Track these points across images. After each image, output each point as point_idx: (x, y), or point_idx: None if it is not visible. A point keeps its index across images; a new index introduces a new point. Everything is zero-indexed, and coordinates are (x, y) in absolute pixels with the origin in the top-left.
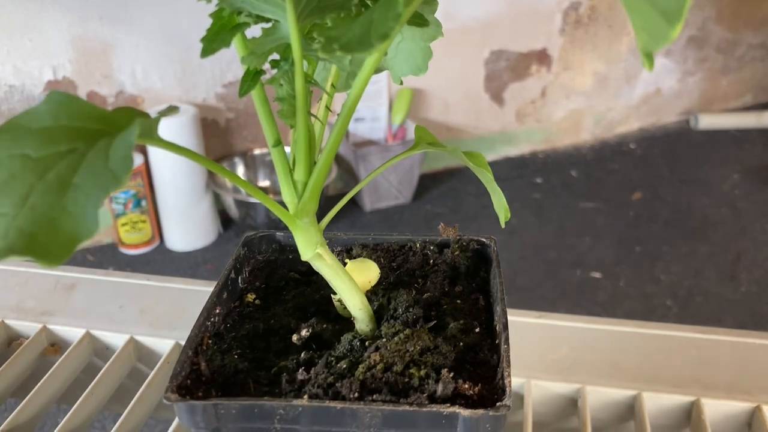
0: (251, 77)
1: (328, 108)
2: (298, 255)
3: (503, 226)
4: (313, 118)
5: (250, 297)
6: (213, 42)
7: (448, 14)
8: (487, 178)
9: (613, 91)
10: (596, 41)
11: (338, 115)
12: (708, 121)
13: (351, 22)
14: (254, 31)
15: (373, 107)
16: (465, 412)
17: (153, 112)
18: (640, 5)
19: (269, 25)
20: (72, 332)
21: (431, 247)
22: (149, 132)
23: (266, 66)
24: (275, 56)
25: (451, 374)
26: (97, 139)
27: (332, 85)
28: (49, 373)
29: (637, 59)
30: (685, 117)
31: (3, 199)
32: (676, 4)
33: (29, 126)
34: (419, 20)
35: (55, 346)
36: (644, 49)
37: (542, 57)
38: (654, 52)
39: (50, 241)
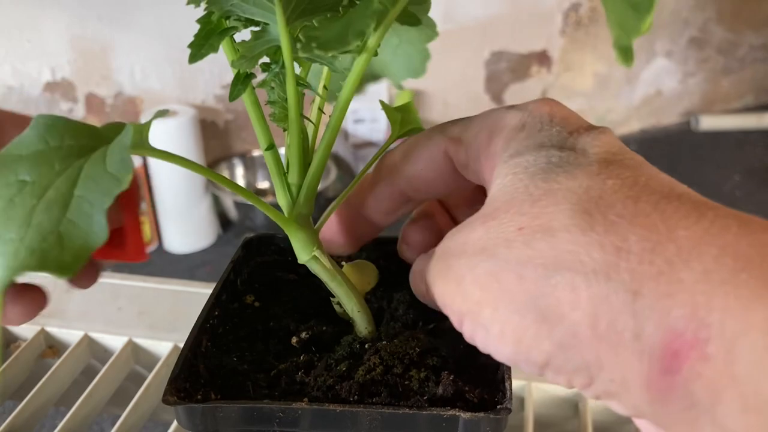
0: (241, 81)
1: (321, 110)
2: None
3: None
4: (306, 121)
5: (249, 299)
6: (201, 47)
7: (448, 15)
8: None
9: (613, 92)
10: (597, 42)
11: (330, 117)
12: (709, 123)
13: (335, 21)
14: (243, 35)
15: (372, 108)
16: (465, 415)
17: (152, 113)
18: (614, 1)
19: (258, 28)
20: (70, 334)
21: None
22: (140, 142)
23: (257, 69)
24: (266, 59)
25: (452, 377)
26: (89, 154)
27: (325, 87)
28: (47, 375)
29: (638, 60)
30: (686, 118)
31: (6, 225)
32: None
33: (20, 153)
34: (411, 19)
35: (53, 348)
36: (617, 43)
37: (543, 58)
38: (627, 45)
39: (62, 254)
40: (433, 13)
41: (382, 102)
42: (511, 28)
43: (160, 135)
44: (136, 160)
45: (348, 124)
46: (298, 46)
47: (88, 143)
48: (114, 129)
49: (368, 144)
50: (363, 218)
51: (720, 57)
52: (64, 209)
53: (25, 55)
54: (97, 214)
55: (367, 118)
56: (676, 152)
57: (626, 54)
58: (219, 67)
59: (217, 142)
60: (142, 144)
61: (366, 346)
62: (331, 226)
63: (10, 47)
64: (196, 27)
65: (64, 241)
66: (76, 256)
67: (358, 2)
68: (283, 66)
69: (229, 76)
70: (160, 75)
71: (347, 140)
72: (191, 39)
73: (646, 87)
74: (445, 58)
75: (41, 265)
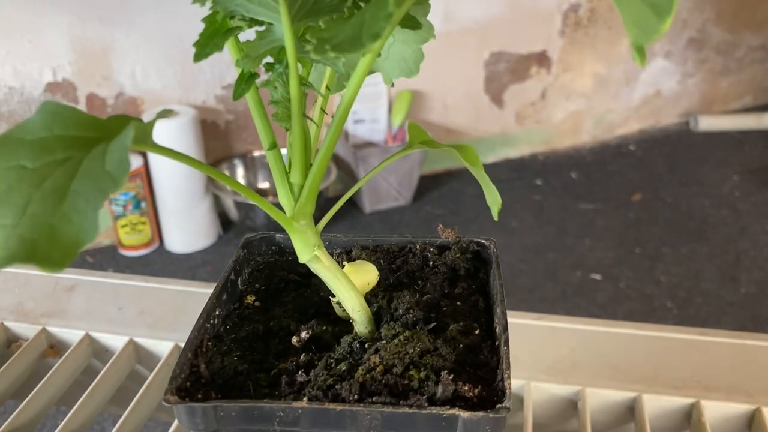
0: (245, 80)
1: (323, 110)
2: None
3: (496, 218)
4: (308, 121)
5: (250, 299)
6: (206, 46)
7: (447, 16)
8: (477, 170)
9: (612, 93)
10: (596, 43)
11: (333, 117)
12: (708, 123)
13: (343, 23)
14: (247, 35)
15: (372, 109)
16: (465, 414)
17: (153, 114)
18: (630, 1)
19: (263, 28)
20: (71, 334)
21: (431, 249)
22: (144, 137)
23: (260, 69)
24: (269, 59)
25: (451, 376)
26: (91, 147)
27: (327, 87)
28: (48, 374)
29: None
30: (685, 118)
31: (2, 210)
32: None
33: (24, 138)
34: (412, 23)
35: (55, 348)
36: (635, 43)
37: (542, 59)
38: (645, 45)
39: (52, 247)
40: (432, 14)
41: (411, 123)
42: (510, 29)
43: (161, 135)
44: (137, 161)
45: (348, 124)
46: (311, 47)
47: (91, 135)
48: (119, 122)
49: (368, 144)
50: None
51: (719, 58)
52: (60, 202)
53: (26, 55)
54: (91, 211)
55: (367, 118)
56: (675, 152)
57: (642, 53)
58: (220, 67)
59: (217, 142)
60: (145, 140)
61: (366, 345)
62: None
63: (11, 48)
64: (197, 28)
65: (55, 234)
66: (65, 250)
67: (362, 4)
68: (286, 66)
69: (230, 76)
70: (161, 76)
71: (347, 140)
72: (192, 39)
73: (645, 87)
74: (445, 59)
75: (30, 257)
